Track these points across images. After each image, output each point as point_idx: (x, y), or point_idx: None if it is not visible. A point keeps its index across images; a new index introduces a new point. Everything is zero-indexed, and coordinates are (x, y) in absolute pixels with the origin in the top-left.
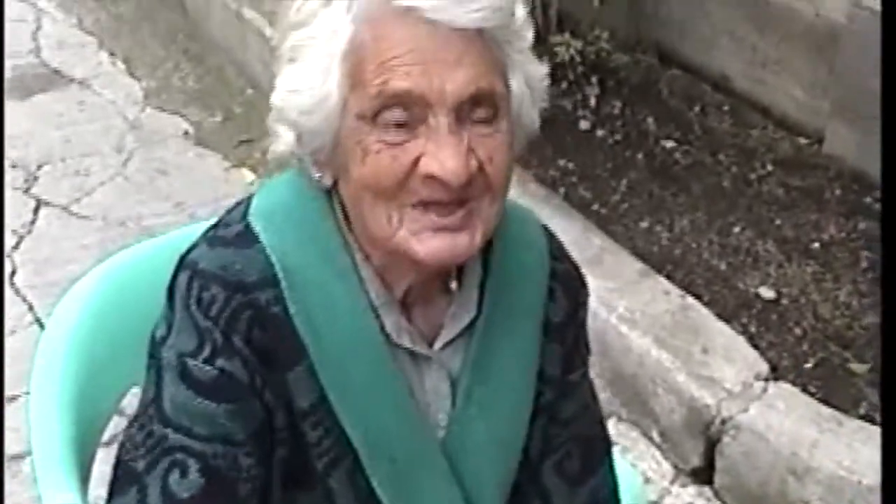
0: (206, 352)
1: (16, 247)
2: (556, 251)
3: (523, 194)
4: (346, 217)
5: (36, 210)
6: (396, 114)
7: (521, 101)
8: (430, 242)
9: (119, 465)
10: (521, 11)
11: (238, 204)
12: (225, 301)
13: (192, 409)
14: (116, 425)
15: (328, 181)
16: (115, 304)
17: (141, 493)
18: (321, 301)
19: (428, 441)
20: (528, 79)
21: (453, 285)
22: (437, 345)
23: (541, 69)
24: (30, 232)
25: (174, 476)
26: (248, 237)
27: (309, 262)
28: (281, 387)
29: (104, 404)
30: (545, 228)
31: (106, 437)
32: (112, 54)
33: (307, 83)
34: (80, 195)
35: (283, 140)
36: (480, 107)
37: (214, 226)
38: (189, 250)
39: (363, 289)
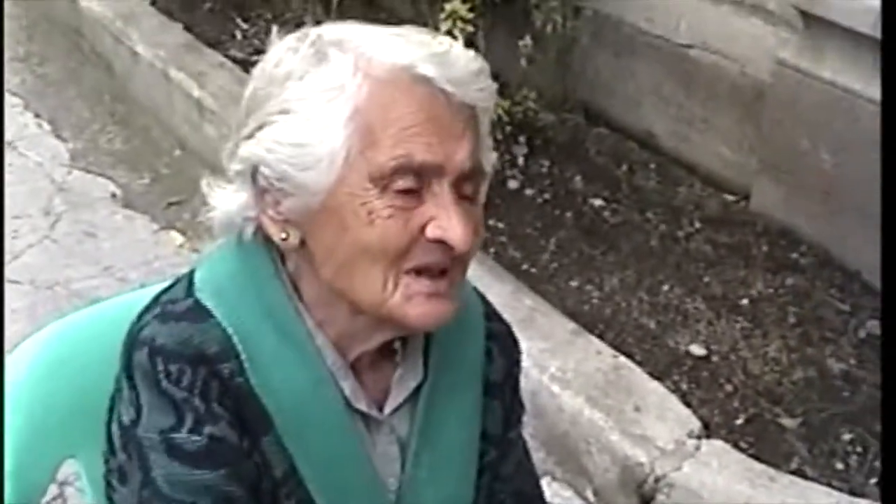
0: (190, 422)
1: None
2: (490, 312)
3: None
4: (294, 284)
5: None
6: (410, 181)
7: (488, 172)
8: (422, 308)
9: None
10: None
11: (178, 280)
12: (193, 373)
13: (190, 482)
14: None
15: (294, 241)
16: (52, 374)
17: None
18: (280, 372)
19: None
20: (489, 159)
21: (396, 345)
22: (387, 409)
23: (493, 153)
24: None
25: None
26: (199, 312)
27: (264, 334)
28: (260, 453)
29: (41, 475)
30: (476, 290)
31: None
32: (38, 115)
33: (310, 137)
34: (8, 258)
35: (229, 201)
36: (468, 181)
37: (159, 302)
38: (139, 329)
39: (319, 356)
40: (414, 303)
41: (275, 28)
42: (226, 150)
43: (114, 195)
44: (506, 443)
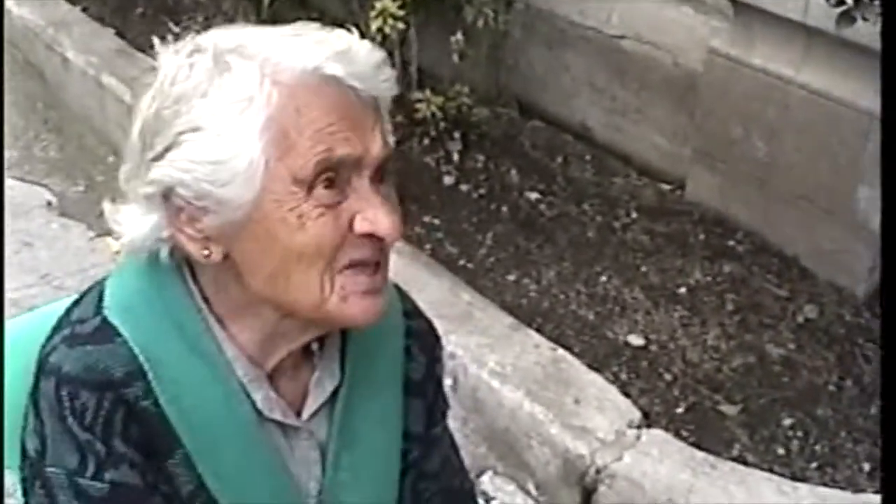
0: (92, 467)
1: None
2: (409, 309)
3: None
4: (204, 297)
5: None
6: (330, 177)
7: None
8: (359, 305)
9: None
10: None
11: (86, 293)
12: (97, 405)
13: None
14: None
15: (217, 257)
16: None
17: None
18: (189, 389)
19: None
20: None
21: (314, 347)
22: (305, 414)
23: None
24: None
25: None
26: (107, 332)
27: (172, 351)
28: (166, 475)
29: None
30: (396, 287)
31: None
32: None
33: (226, 152)
34: None
35: (138, 224)
36: (380, 170)
37: (68, 321)
38: (48, 353)
39: (230, 369)
40: (352, 301)
41: (156, 39)
42: (125, 173)
43: (49, 203)
44: (429, 440)
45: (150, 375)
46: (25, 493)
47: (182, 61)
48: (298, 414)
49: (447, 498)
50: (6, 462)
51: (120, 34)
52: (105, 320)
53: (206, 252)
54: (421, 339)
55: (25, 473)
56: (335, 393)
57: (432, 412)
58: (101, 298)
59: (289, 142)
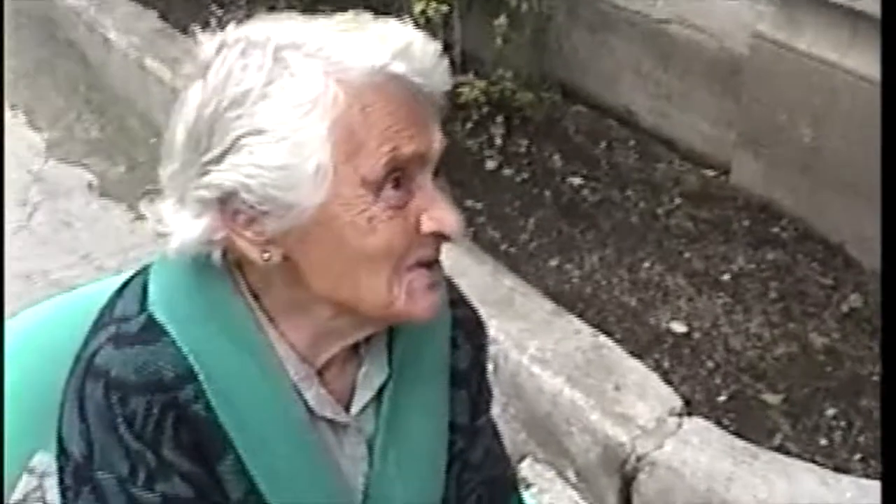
0: (142, 477)
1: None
2: (455, 298)
3: None
4: (254, 295)
5: None
6: (397, 177)
7: None
8: (425, 301)
9: None
10: None
11: (127, 284)
12: (146, 410)
13: None
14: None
15: (276, 260)
16: (17, 366)
17: None
18: (240, 389)
19: None
20: None
21: (362, 345)
22: (353, 410)
23: None
24: None
25: None
26: (153, 330)
27: (222, 349)
28: (216, 482)
29: (10, 468)
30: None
31: (15, 496)
32: (13, 107)
33: (293, 157)
34: None
35: (189, 228)
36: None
37: (112, 318)
38: (92, 355)
39: (281, 368)
40: (417, 298)
41: (197, 27)
42: (169, 172)
43: (90, 185)
44: (474, 431)
45: (201, 376)
46: (65, 496)
47: (235, 58)
48: (346, 410)
49: (489, 487)
50: (36, 443)
51: (163, 16)
52: (151, 318)
53: (266, 255)
54: (466, 328)
55: (69, 476)
56: (382, 387)
57: (477, 403)
58: (144, 293)
59: (356, 143)
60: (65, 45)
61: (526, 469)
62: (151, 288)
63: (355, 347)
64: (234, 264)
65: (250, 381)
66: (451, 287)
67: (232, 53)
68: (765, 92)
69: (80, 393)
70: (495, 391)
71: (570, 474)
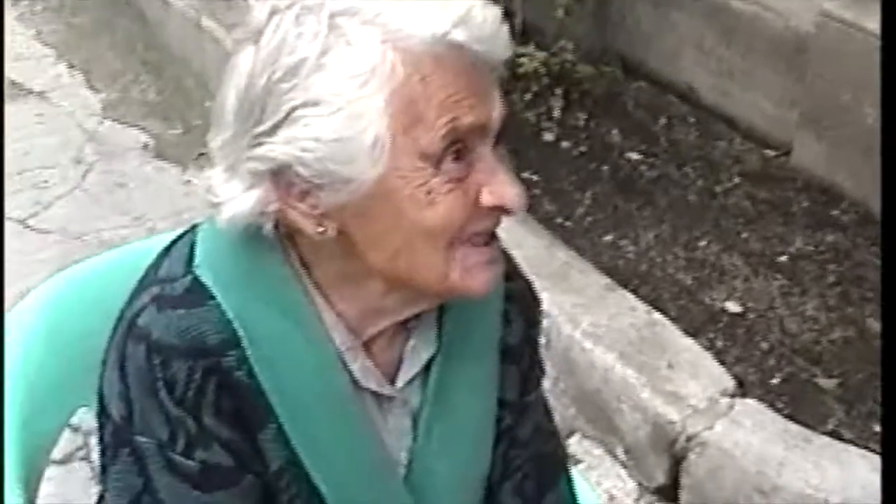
0: (182, 443)
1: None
2: (510, 271)
3: None
4: (304, 264)
5: None
6: (456, 149)
7: None
8: (482, 276)
9: None
10: None
11: (173, 244)
12: (188, 375)
13: (192, 500)
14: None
15: (332, 233)
16: (64, 319)
17: None
18: (285, 357)
19: (393, 484)
20: None
21: (411, 319)
22: (399, 383)
23: None
24: None
25: None
26: (198, 293)
27: (268, 316)
28: (257, 451)
29: (53, 422)
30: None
31: (59, 455)
32: (71, 66)
33: (350, 129)
34: (38, 209)
35: (241, 201)
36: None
37: (156, 278)
38: (135, 315)
39: (328, 337)
40: (474, 273)
41: None
42: (220, 142)
43: (145, 146)
44: (523, 406)
45: (245, 342)
46: (104, 454)
47: (289, 25)
48: (392, 382)
49: (538, 464)
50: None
51: None
52: (196, 280)
53: (320, 229)
54: (520, 302)
55: (108, 436)
56: (430, 361)
57: (527, 378)
58: (191, 254)
59: (414, 115)
60: (124, 5)
61: (574, 445)
62: (199, 250)
63: (404, 322)
64: (286, 235)
65: (295, 350)
66: (507, 259)
67: (286, 20)
68: (830, 71)
69: (122, 353)
70: (546, 365)
71: (619, 452)
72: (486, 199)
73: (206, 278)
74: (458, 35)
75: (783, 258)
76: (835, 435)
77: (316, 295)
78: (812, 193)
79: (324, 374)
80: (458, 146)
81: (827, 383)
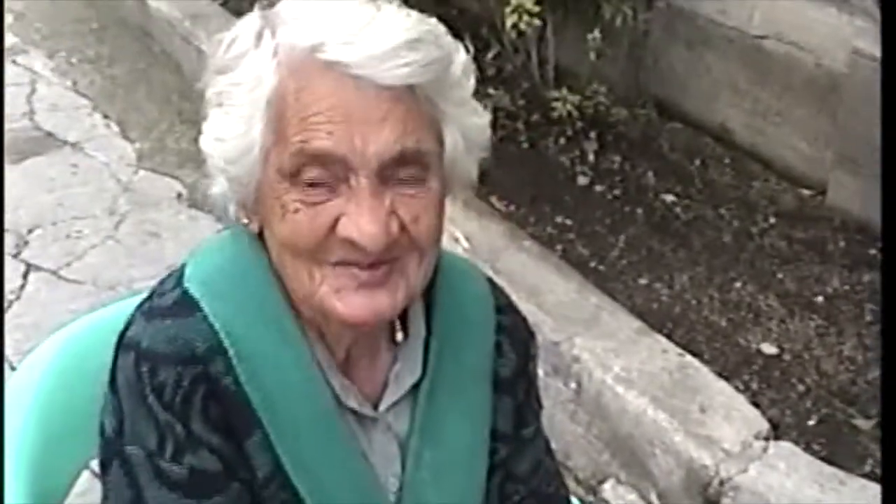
0: (171, 449)
1: (4, 312)
2: (502, 304)
3: (519, 252)
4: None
5: (25, 275)
6: (315, 172)
7: (455, 154)
8: (350, 300)
9: None
10: (460, 60)
11: (170, 274)
12: (176, 381)
13: None
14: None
15: (255, 228)
16: (72, 373)
17: None
18: (270, 368)
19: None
20: (465, 131)
21: (399, 336)
22: (382, 406)
23: (480, 120)
24: (18, 297)
25: None
26: (186, 305)
27: (254, 328)
28: (244, 458)
29: (61, 477)
30: (490, 281)
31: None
32: (106, 116)
33: (231, 131)
34: (70, 259)
35: (217, 183)
36: (407, 166)
37: (148, 297)
38: (125, 328)
39: (312, 352)
40: (343, 295)
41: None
42: None
43: (179, 195)
44: (519, 441)
45: (231, 352)
46: (104, 473)
47: (233, 32)
48: (375, 407)
49: (539, 502)
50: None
51: None
52: (185, 293)
53: (245, 220)
54: (512, 335)
55: (102, 453)
56: (417, 387)
57: (522, 412)
58: (182, 272)
59: (281, 128)
60: (160, 56)
61: (608, 491)
62: (189, 267)
63: (391, 344)
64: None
65: (280, 361)
66: (499, 293)
67: (238, 26)
68: (863, 109)
69: (113, 366)
70: (579, 411)
71: (653, 497)
72: (339, 228)
73: (195, 291)
74: (332, 53)
75: (819, 298)
76: (871, 476)
77: (301, 309)
78: (848, 232)
79: (308, 387)
80: (319, 171)
81: (864, 424)
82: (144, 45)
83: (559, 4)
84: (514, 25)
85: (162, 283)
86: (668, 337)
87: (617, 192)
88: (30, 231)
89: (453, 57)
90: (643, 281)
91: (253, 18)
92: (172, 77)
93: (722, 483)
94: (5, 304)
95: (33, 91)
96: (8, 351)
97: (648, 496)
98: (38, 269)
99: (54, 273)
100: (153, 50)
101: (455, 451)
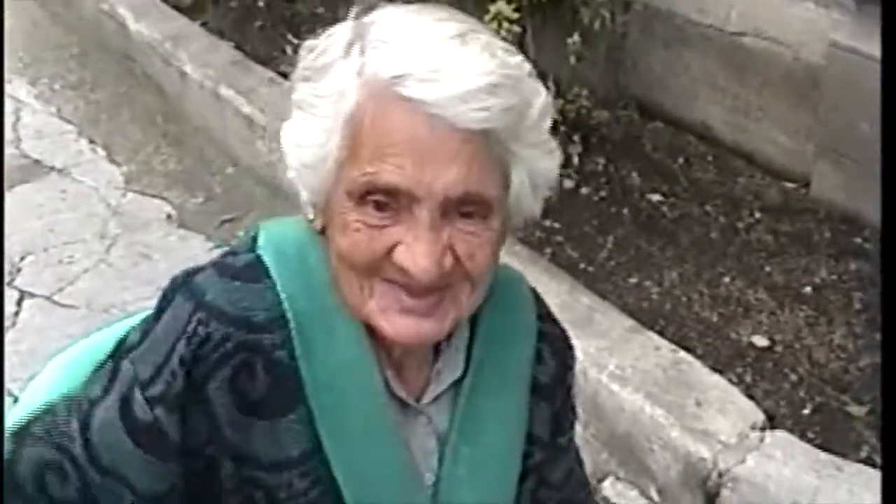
0: (154, 390)
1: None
2: (543, 313)
3: (508, 255)
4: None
5: (19, 302)
6: (381, 198)
7: (520, 194)
8: (395, 321)
9: (27, 428)
10: (539, 104)
11: (244, 238)
12: (221, 340)
13: (111, 436)
14: None
15: (318, 226)
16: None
17: (16, 474)
18: (328, 347)
19: (418, 498)
20: (534, 173)
21: (443, 344)
22: (425, 399)
23: (550, 162)
24: (14, 324)
25: (52, 478)
26: (257, 270)
27: (317, 306)
28: (261, 435)
29: None
30: (532, 290)
31: None
32: (92, 141)
33: (310, 139)
34: (63, 284)
35: (292, 172)
36: (470, 205)
37: (222, 255)
38: (194, 272)
39: (368, 338)
40: (389, 315)
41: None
42: None
43: (169, 216)
44: (554, 448)
45: (293, 324)
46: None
47: (325, 40)
48: (418, 400)
49: None
50: None
51: (239, 47)
52: (258, 258)
53: (311, 216)
54: (553, 344)
55: (107, 361)
56: (459, 384)
57: (559, 420)
58: (255, 239)
59: (354, 149)
60: (142, 79)
61: (608, 489)
62: (262, 235)
63: (436, 348)
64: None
65: (337, 343)
66: (541, 302)
67: (332, 33)
68: (843, 101)
69: (166, 299)
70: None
71: (653, 492)
72: (395, 255)
73: (268, 258)
74: (414, 87)
75: (808, 289)
76: (867, 462)
77: None
78: (833, 223)
79: (361, 371)
80: (385, 197)
81: (858, 411)
82: (126, 68)
83: (537, 10)
84: (495, 33)
85: (234, 246)
86: (661, 334)
87: (603, 193)
88: (22, 258)
89: (532, 101)
90: (633, 280)
91: (346, 28)
92: (155, 99)
93: (721, 475)
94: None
95: (18, 119)
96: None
97: (648, 492)
98: (32, 295)
99: (48, 299)
100: (135, 73)
101: (492, 451)
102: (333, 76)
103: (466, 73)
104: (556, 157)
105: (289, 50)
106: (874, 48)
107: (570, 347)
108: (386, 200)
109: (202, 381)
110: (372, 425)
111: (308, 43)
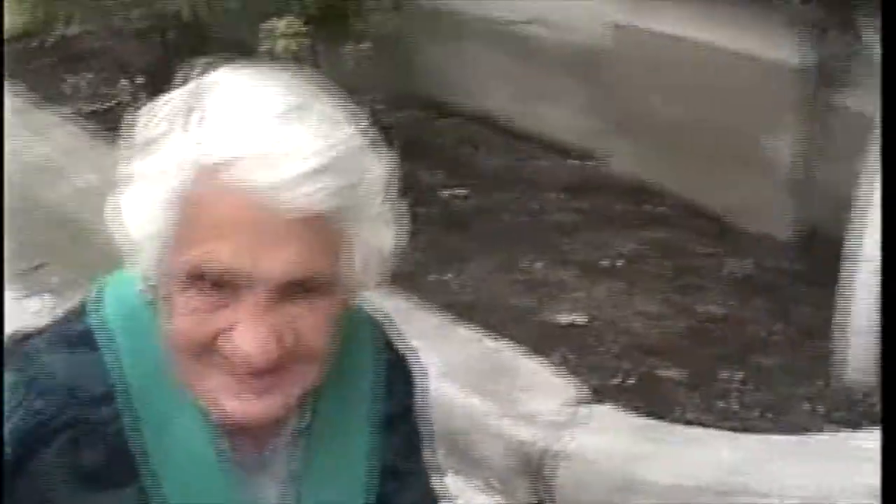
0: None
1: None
2: (388, 342)
3: None
4: None
5: None
6: (215, 279)
7: (362, 268)
8: (231, 404)
9: None
10: (374, 177)
11: (77, 304)
12: (49, 417)
13: None
14: None
15: (148, 297)
16: None
17: None
18: (163, 420)
19: None
20: (373, 246)
21: None
22: (268, 451)
23: (388, 233)
24: None
25: None
26: (92, 338)
27: (149, 380)
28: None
29: None
30: (374, 322)
31: None
32: None
33: (142, 214)
34: None
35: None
36: (304, 286)
37: (55, 321)
38: (28, 335)
39: (202, 408)
40: (223, 397)
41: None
42: None
43: None
44: (405, 474)
45: (127, 397)
46: None
47: (162, 106)
48: (262, 451)
49: None
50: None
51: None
52: (89, 329)
53: (143, 290)
54: (399, 371)
55: None
56: (301, 432)
57: (409, 446)
58: (87, 305)
59: (187, 229)
60: None
61: (450, 485)
62: (101, 297)
63: None
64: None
65: (173, 413)
66: (383, 331)
67: (170, 94)
68: (631, 77)
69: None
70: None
71: (494, 481)
72: (228, 339)
73: (103, 327)
74: (241, 172)
75: (619, 262)
76: (694, 422)
77: None
78: (634, 195)
79: (199, 439)
80: (210, 280)
81: (676, 374)
82: None
83: (317, 23)
84: (287, 48)
85: (71, 308)
86: (475, 325)
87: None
88: None
89: (365, 176)
90: (442, 276)
91: (184, 95)
92: None
93: (554, 456)
94: None
95: None
96: None
97: (489, 481)
98: None
99: None
100: None
101: (337, 493)
102: (169, 150)
103: (295, 156)
104: (397, 226)
105: (66, 89)
106: (654, 23)
107: (412, 372)
108: (219, 283)
109: (30, 456)
110: (213, 493)
111: (146, 107)
